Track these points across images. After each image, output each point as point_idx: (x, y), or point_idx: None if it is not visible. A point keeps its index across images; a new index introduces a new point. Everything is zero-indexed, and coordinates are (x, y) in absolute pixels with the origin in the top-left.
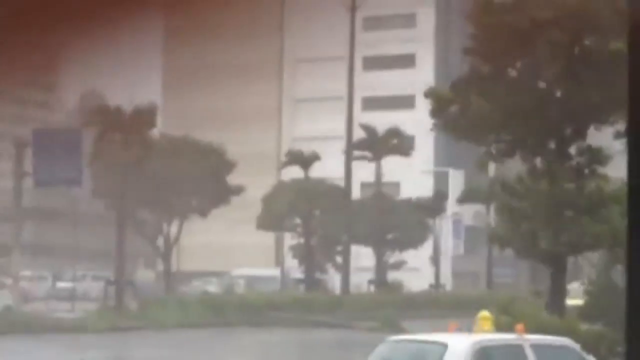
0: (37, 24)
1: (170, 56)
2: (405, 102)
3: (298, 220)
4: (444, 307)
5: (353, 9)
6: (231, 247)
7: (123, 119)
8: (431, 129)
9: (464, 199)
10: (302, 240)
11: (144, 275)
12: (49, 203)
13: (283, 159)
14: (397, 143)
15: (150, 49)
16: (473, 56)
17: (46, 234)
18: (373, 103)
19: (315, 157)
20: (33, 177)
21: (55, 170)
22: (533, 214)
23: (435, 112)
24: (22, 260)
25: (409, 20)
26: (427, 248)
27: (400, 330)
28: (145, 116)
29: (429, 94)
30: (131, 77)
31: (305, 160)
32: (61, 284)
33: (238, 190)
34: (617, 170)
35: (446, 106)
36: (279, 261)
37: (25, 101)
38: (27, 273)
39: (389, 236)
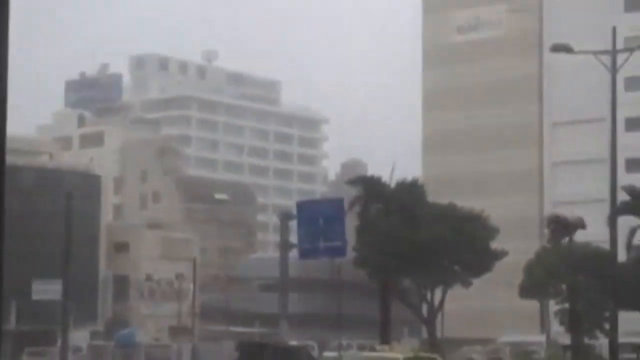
0: None
1: (429, 123)
2: None
3: (562, 286)
4: None
5: (614, 70)
6: (494, 313)
7: (385, 188)
8: None
9: None
10: (567, 306)
11: (408, 345)
12: (313, 273)
13: (546, 224)
14: None
15: (409, 117)
16: None
17: (311, 304)
18: (637, 164)
19: (580, 224)
20: (298, 248)
21: (320, 241)
22: None
23: None
24: (289, 330)
25: None
26: None
27: None
28: (407, 186)
29: None
30: (390, 147)
31: (570, 226)
32: (327, 354)
33: (501, 255)
34: None
35: None
36: (545, 327)
37: (289, 174)
38: (294, 343)
39: None
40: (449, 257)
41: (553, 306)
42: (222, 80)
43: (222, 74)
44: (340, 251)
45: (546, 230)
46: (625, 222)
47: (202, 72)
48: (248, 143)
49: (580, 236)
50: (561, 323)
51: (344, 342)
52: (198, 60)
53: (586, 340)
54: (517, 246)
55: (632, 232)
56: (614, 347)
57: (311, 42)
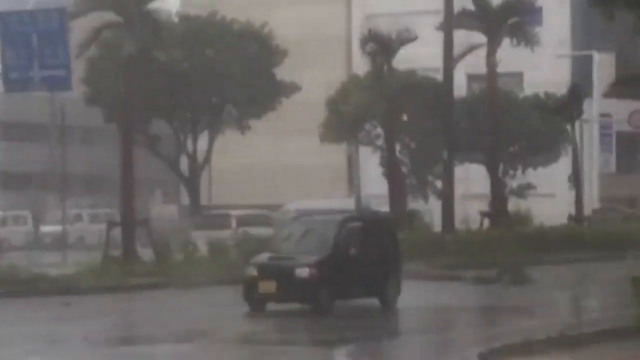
0: None
1: None
2: None
3: (379, 130)
4: (588, 247)
5: None
6: (283, 169)
7: None
8: None
9: (615, 94)
10: (384, 158)
11: (163, 213)
12: (24, 114)
13: (356, 42)
14: (519, 18)
15: None
16: None
17: (22, 158)
18: None
19: (405, 39)
20: (2, 78)
21: (34, 68)
22: None
23: None
24: None
25: None
26: (563, 165)
27: (525, 282)
28: None
29: None
30: None
31: (388, 45)
32: (46, 228)
33: (292, 89)
34: None
35: None
36: (353, 188)
37: None
38: None
39: (510, 149)
40: (217, 90)
41: (367, 158)
42: None
43: None
44: (62, 82)
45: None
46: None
47: None
48: None
49: (403, 61)
50: (375, 181)
51: (72, 211)
52: None
53: (411, 205)
54: (316, 77)
55: (470, 49)
56: (448, 212)
57: None
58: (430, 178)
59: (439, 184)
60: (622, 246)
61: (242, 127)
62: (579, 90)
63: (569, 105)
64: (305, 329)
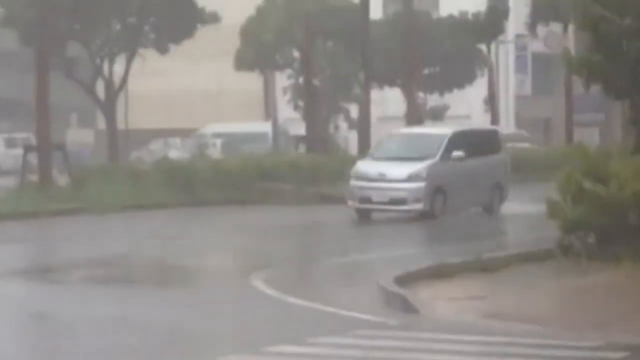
0: None
1: None
2: None
3: (295, 53)
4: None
5: None
6: (200, 94)
7: None
8: None
9: (531, 16)
10: (300, 82)
11: (79, 137)
12: None
13: None
14: None
15: None
16: None
17: None
18: None
19: None
20: None
21: None
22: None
23: None
24: None
25: None
26: (479, 87)
27: None
28: None
29: None
30: None
31: None
32: None
33: (212, 18)
34: None
35: None
36: (270, 112)
37: None
38: None
39: (425, 71)
40: (134, 11)
41: (283, 82)
42: None
43: None
44: None
45: None
46: None
47: None
48: None
49: None
50: (295, 107)
51: None
52: None
53: (326, 129)
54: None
55: None
56: (364, 136)
57: None
58: (343, 104)
59: (353, 108)
60: (536, 169)
61: (161, 50)
62: (496, 11)
63: (487, 25)
64: None
